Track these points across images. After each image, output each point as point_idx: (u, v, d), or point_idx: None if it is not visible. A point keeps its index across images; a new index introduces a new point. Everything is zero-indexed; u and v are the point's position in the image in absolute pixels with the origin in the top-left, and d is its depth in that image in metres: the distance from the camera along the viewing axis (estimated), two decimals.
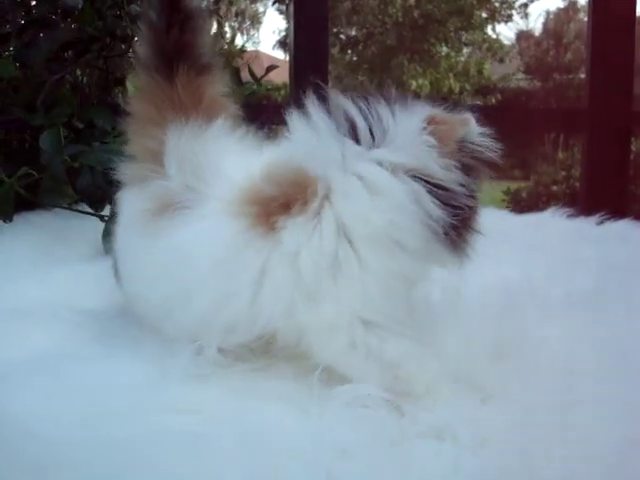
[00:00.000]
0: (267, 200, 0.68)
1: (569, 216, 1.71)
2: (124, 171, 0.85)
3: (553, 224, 1.63)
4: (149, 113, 0.84)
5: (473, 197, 0.69)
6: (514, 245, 1.34)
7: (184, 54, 0.86)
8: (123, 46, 2.16)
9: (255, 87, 1.95)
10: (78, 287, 1.02)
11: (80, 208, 1.48)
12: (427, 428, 0.57)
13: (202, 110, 0.83)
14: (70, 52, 2.03)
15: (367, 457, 0.54)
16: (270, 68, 2.03)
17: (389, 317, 0.68)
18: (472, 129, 0.68)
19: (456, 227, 0.67)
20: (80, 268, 1.15)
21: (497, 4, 11.37)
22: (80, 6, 1.84)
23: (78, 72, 2.20)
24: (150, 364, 0.70)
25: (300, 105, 0.73)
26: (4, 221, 1.35)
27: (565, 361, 0.68)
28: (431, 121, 0.68)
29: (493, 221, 1.61)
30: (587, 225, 1.63)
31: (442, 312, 0.80)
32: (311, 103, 0.73)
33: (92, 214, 1.41)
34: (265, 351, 0.73)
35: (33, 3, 1.98)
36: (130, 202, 0.82)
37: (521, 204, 5.44)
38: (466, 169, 0.67)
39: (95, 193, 1.47)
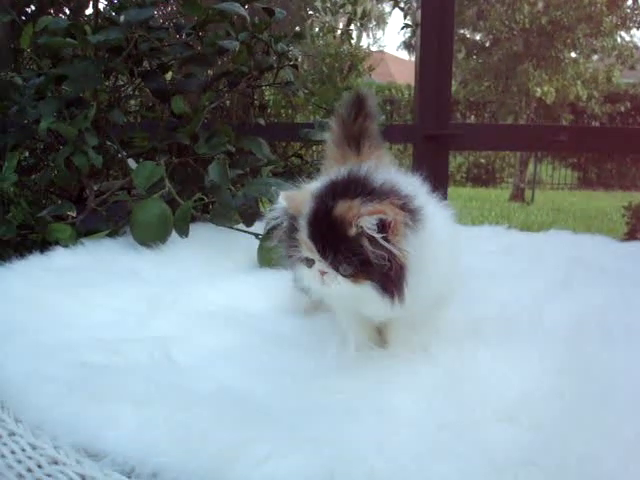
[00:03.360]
0: None
1: None
2: None
3: None
4: None
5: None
6: (605, 274, 1.54)
7: (365, 136, 1.22)
8: (268, 76, 2.49)
9: (384, 119, 2.22)
10: (245, 294, 1.33)
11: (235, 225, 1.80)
12: (501, 415, 0.83)
13: None
14: (222, 83, 2.37)
15: (459, 432, 0.80)
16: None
17: None
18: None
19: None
20: (243, 278, 1.46)
21: (628, 10, 11.05)
22: (237, 48, 2.13)
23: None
24: (310, 358, 1.00)
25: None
26: (181, 237, 1.69)
27: (614, 377, 0.91)
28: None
29: (595, 250, 1.82)
30: None
31: (525, 332, 1.05)
32: None
33: (247, 232, 1.73)
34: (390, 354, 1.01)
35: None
36: None
37: None
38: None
39: (247, 212, 1.79)
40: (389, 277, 0.87)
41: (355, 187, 0.89)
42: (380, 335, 1.05)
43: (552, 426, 0.79)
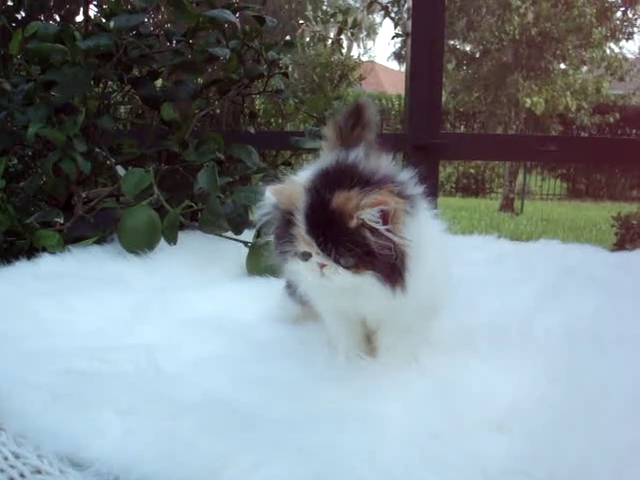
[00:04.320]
0: None
1: None
2: None
3: (637, 264, 1.80)
4: None
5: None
6: (595, 284, 1.54)
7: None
8: (258, 84, 2.48)
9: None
10: (233, 302, 1.31)
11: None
12: (492, 424, 0.82)
13: None
14: (212, 90, 2.36)
15: (450, 441, 0.79)
16: None
17: None
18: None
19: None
20: (231, 286, 1.45)
21: (617, 22, 11.12)
22: (227, 56, 2.12)
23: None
24: (299, 366, 0.98)
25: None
26: (169, 244, 1.68)
27: (605, 386, 0.90)
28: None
29: (584, 259, 1.81)
30: None
31: (515, 341, 1.05)
32: None
33: (236, 240, 1.71)
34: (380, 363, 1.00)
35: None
36: None
37: (631, 231, 5.36)
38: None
39: (236, 219, 1.78)
40: (391, 266, 0.86)
41: (349, 176, 0.88)
42: (369, 343, 1.03)
43: (543, 435, 0.78)
